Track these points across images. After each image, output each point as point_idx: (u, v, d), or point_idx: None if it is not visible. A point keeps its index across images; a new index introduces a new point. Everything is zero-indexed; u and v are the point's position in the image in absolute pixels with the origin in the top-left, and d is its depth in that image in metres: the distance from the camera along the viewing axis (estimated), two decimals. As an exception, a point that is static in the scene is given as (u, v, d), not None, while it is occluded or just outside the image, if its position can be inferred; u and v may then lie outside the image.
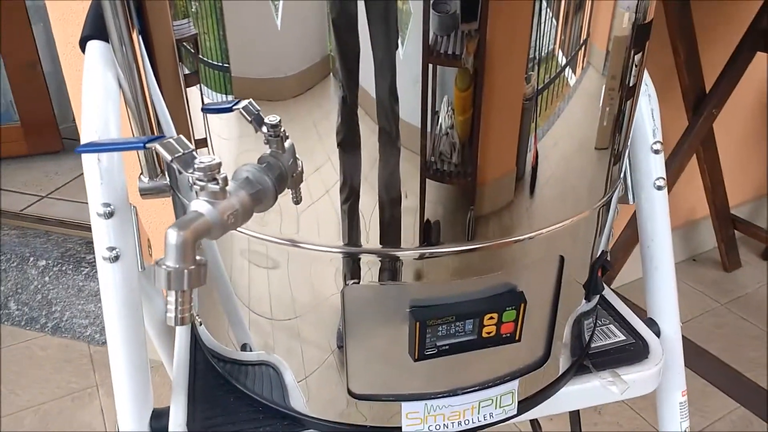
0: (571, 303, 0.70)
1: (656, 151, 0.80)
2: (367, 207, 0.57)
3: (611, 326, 0.83)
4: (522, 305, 0.61)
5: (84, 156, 0.67)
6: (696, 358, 1.48)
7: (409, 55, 0.50)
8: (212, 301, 0.71)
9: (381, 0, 0.48)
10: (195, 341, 0.80)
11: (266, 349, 0.68)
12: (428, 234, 0.58)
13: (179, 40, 0.59)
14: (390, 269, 0.60)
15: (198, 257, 0.48)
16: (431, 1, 0.49)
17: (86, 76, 0.69)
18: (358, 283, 0.59)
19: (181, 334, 0.82)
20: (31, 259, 2.04)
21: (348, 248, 0.59)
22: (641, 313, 0.86)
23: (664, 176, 0.80)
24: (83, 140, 0.66)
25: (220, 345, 0.73)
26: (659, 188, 0.80)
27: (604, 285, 0.92)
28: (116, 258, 0.67)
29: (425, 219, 0.58)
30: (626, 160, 0.83)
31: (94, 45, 0.70)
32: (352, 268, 0.60)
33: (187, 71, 0.60)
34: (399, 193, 0.57)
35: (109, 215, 0.66)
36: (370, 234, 0.59)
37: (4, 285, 1.98)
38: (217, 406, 0.71)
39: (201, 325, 0.76)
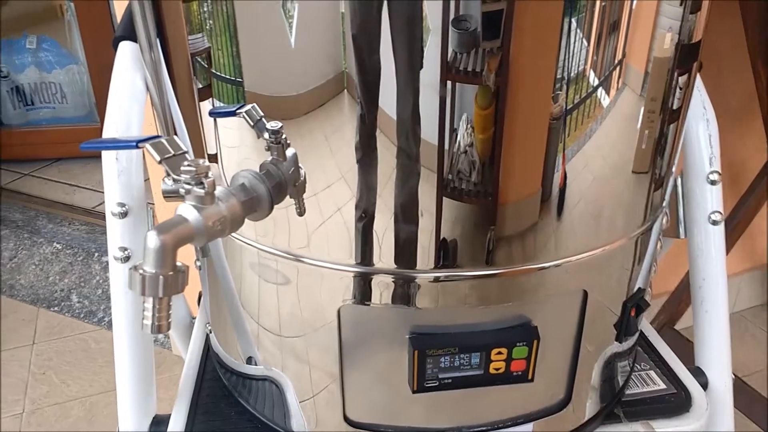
0: (598, 343, 0.63)
1: (713, 182, 0.72)
2: (380, 225, 0.54)
3: (651, 372, 0.75)
4: (535, 342, 0.55)
5: (103, 155, 0.67)
6: (761, 410, 1.35)
7: (427, 71, 0.48)
8: (221, 311, 0.69)
9: (401, 16, 0.46)
10: (208, 350, 0.79)
11: (270, 364, 0.65)
12: (443, 255, 0.54)
13: (194, 53, 0.58)
14: (396, 291, 0.56)
15: (178, 264, 0.46)
16: (450, 18, 0.46)
17: (115, 75, 0.69)
18: (356, 302, 0.55)
19: (195, 341, 0.80)
20: (96, 254, 2.12)
21: (357, 267, 0.55)
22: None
23: (721, 210, 0.73)
24: (104, 137, 0.67)
25: (227, 356, 0.71)
26: (715, 223, 0.73)
27: (652, 328, 0.84)
28: (127, 258, 0.67)
29: (441, 240, 0.54)
30: (678, 190, 0.76)
31: (125, 45, 0.70)
32: (357, 288, 0.56)
33: (200, 85, 0.59)
34: (414, 213, 0.53)
35: (123, 215, 0.66)
36: (382, 254, 0.55)
37: (69, 278, 2.06)
38: (217, 419, 0.69)
39: (211, 332, 0.75)
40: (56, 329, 1.90)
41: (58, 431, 1.55)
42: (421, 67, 0.47)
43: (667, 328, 1.57)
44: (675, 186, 0.76)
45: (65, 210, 2.36)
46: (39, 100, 2.69)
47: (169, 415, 0.69)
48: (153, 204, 1.00)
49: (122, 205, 0.66)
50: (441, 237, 0.54)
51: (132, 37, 0.70)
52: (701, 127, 0.72)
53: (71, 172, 2.64)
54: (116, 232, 0.66)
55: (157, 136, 0.50)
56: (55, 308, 1.99)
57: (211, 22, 0.54)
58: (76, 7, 2.45)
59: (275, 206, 0.51)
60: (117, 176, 0.66)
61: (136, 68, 0.68)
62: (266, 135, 0.51)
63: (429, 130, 0.50)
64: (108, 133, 0.66)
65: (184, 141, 0.64)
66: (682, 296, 1.54)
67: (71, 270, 2.10)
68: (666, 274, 1.49)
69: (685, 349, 0.82)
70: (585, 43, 0.49)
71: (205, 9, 0.54)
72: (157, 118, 0.70)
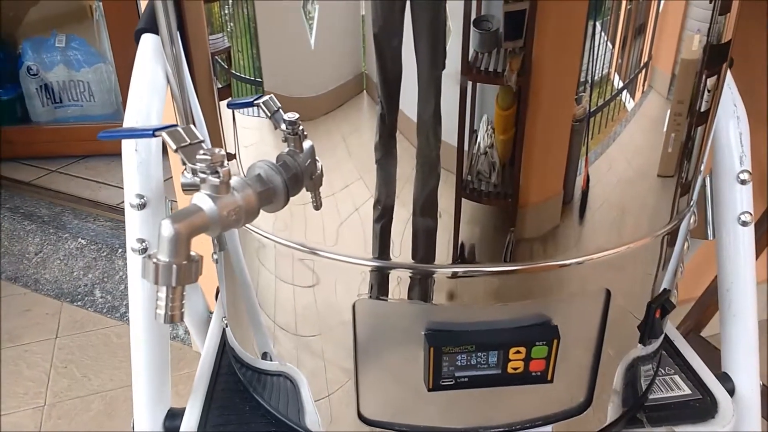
0: (621, 345, 0.61)
1: (743, 182, 0.70)
2: (398, 224, 0.53)
3: (676, 377, 0.73)
4: (555, 341, 0.54)
5: (123, 147, 0.67)
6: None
7: (448, 71, 0.47)
8: (237, 305, 0.69)
9: (424, 17, 0.45)
10: (224, 344, 0.78)
11: (285, 359, 0.64)
12: (462, 251, 0.53)
13: (214, 53, 0.57)
14: (413, 286, 0.55)
15: (192, 253, 0.45)
16: (472, 18, 0.45)
17: (136, 67, 0.69)
18: (372, 297, 0.54)
19: (212, 335, 0.80)
20: (120, 250, 2.14)
21: (374, 261, 0.55)
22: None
23: (751, 210, 0.70)
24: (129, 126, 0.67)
25: (243, 350, 0.71)
26: (744, 224, 0.70)
27: (678, 332, 0.82)
28: (145, 250, 0.66)
29: (460, 236, 0.53)
30: (707, 190, 0.74)
31: (147, 38, 0.70)
32: (374, 282, 0.55)
33: (220, 85, 0.59)
34: (433, 214, 0.52)
35: (142, 207, 0.66)
36: (402, 248, 0.54)
37: (92, 273, 2.09)
38: (231, 413, 0.68)
39: (227, 327, 0.74)
40: (79, 323, 1.93)
41: (79, 424, 1.56)
42: (444, 68, 0.47)
43: (693, 334, 1.54)
44: (703, 185, 0.74)
45: (90, 206, 2.39)
46: (67, 98, 2.73)
47: (184, 408, 0.69)
48: (175, 201, 1.01)
49: (140, 196, 0.66)
50: (460, 236, 0.53)
51: (154, 29, 0.70)
52: (731, 125, 0.69)
53: (97, 169, 2.68)
54: (134, 224, 0.66)
55: (174, 125, 0.50)
56: (79, 303, 2.01)
57: (231, 24, 0.54)
58: (105, 7, 2.48)
59: (292, 199, 0.51)
60: (136, 168, 0.66)
61: (157, 61, 0.68)
62: (283, 126, 0.51)
63: (449, 131, 0.49)
64: (128, 123, 0.67)
65: (202, 134, 0.64)
66: (709, 302, 1.50)
67: (95, 265, 2.12)
68: (692, 279, 1.45)
69: (712, 356, 0.79)
70: (610, 45, 0.48)
71: (226, 11, 0.53)
72: (177, 110, 0.70)
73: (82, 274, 2.10)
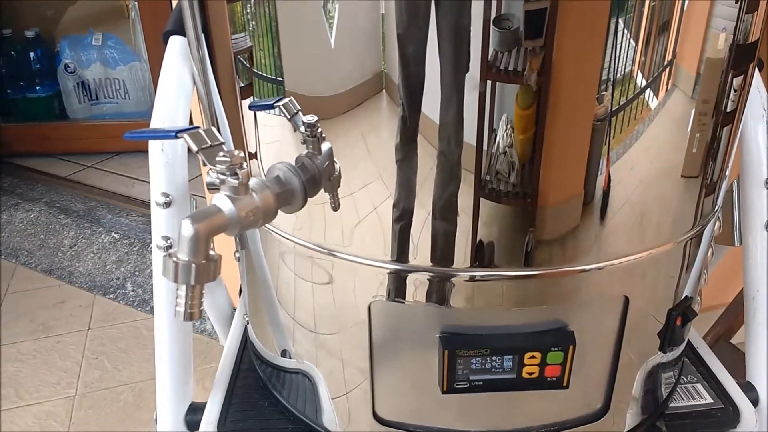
0: (640, 352, 0.61)
1: (771, 188, 0.68)
2: (417, 224, 0.53)
3: (698, 385, 0.72)
4: (571, 347, 0.53)
5: (150, 146, 0.68)
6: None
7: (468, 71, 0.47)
8: (258, 303, 0.70)
9: (448, 19, 0.46)
10: (246, 340, 0.80)
11: (303, 357, 0.65)
12: (480, 254, 0.53)
13: (237, 52, 0.58)
14: (431, 289, 0.55)
15: (211, 252, 0.46)
16: (492, 17, 0.45)
17: (164, 68, 0.70)
18: (389, 299, 0.55)
19: (234, 331, 0.81)
20: (152, 245, 2.19)
21: (393, 264, 0.55)
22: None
23: (780, 218, 0.69)
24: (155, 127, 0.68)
25: (263, 347, 0.72)
26: (772, 231, 0.69)
27: (702, 340, 0.81)
28: (169, 248, 0.68)
29: (478, 239, 0.53)
30: (734, 196, 0.72)
31: (175, 40, 0.72)
32: (391, 284, 0.56)
33: (242, 84, 0.60)
34: (452, 213, 0.52)
35: (167, 205, 0.67)
36: (418, 251, 0.54)
37: (125, 267, 2.14)
38: (251, 409, 0.69)
39: (248, 323, 0.76)
40: (111, 316, 1.97)
41: (108, 414, 1.60)
42: (468, 71, 0.47)
43: (723, 341, 1.50)
44: (730, 191, 0.72)
45: (124, 201, 2.44)
46: (103, 95, 2.79)
47: (204, 403, 0.71)
48: (204, 198, 1.03)
49: (166, 195, 0.67)
50: (478, 237, 0.53)
51: (181, 31, 0.71)
52: (760, 130, 0.68)
53: (131, 165, 2.73)
54: (160, 222, 0.68)
55: (196, 127, 0.51)
56: (111, 296, 2.06)
57: (253, 23, 0.54)
58: (140, 7, 2.53)
59: (311, 200, 0.52)
60: (162, 167, 0.67)
61: (184, 62, 0.70)
62: (302, 128, 0.51)
63: (468, 130, 0.49)
64: (155, 124, 0.68)
65: (225, 135, 0.65)
66: (740, 308, 1.47)
67: (127, 259, 2.17)
68: (723, 284, 1.43)
69: (741, 364, 0.78)
70: (632, 43, 0.47)
71: (248, 10, 0.54)
72: (202, 111, 0.72)
73: (115, 267, 2.15)
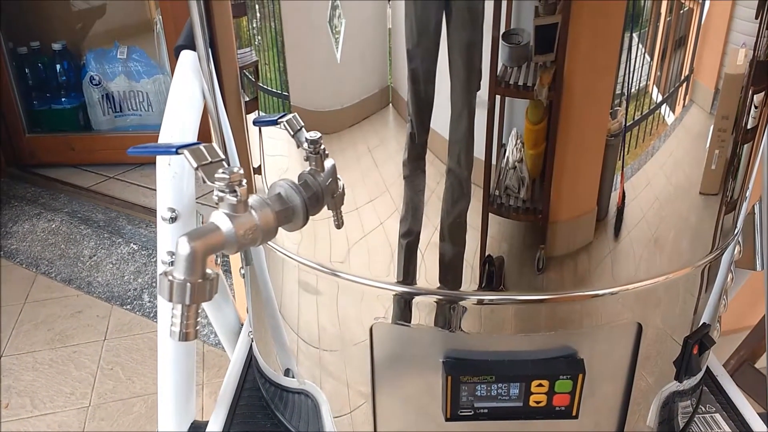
0: (655, 381, 0.58)
1: (795, 211, 0.66)
2: (423, 244, 0.52)
3: (717, 416, 0.69)
4: (580, 376, 0.51)
5: (158, 162, 0.68)
6: None
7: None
8: (261, 320, 0.69)
9: (460, 37, 0.45)
10: (251, 358, 0.79)
11: (306, 377, 0.64)
12: (489, 276, 0.52)
13: (242, 67, 0.58)
14: (437, 312, 0.53)
15: (208, 271, 0.45)
16: (501, 32, 0.44)
17: (174, 83, 0.70)
18: (393, 322, 0.53)
19: (240, 348, 0.80)
20: (169, 256, 2.20)
21: (398, 286, 0.54)
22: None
23: (804, 242, 0.66)
24: (160, 142, 0.68)
25: (266, 365, 0.71)
26: (795, 256, 0.66)
27: (723, 369, 0.78)
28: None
29: (487, 259, 0.51)
30: (756, 218, 0.69)
31: (186, 54, 0.71)
32: (396, 307, 0.54)
33: (248, 98, 0.59)
34: (461, 230, 0.51)
35: (173, 220, 0.67)
36: (427, 273, 0.53)
37: (142, 278, 2.15)
38: (253, 429, 0.68)
39: (253, 341, 0.75)
40: (127, 326, 1.98)
41: (120, 426, 1.60)
42: (479, 88, 0.46)
43: (747, 365, 1.46)
44: (752, 213, 0.70)
45: (144, 212, 2.46)
46: (127, 107, 2.83)
47: (206, 422, 0.69)
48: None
49: (172, 210, 0.67)
50: (487, 255, 0.51)
51: (192, 46, 0.71)
52: (783, 150, 0.65)
53: (152, 177, 2.75)
54: (165, 237, 0.67)
55: (197, 143, 0.50)
56: (128, 306, 2.07)
57: (259, 38, 0.54)
58: (164, 20, 2.57)
59: (314, 217, 0.50)
60: (169, 182, 0.67)
61: (194, 77, 0.69)
62: (305, 144, 0.50)
63: (477, 145, 0.48)
64: (164, 138, 0.68)
65: (230, 150, 0.65)
66: (764, 332, 1.42)
67: (145, 270, 2.18)
68: (748, 307, 1.38)
69: (764, 390, 0.75)
70: (647, 57, 0.46)
71: (254, 24, 0.54)
72: (212, 125, 0.71)
73: (132, 278, 2.16)
